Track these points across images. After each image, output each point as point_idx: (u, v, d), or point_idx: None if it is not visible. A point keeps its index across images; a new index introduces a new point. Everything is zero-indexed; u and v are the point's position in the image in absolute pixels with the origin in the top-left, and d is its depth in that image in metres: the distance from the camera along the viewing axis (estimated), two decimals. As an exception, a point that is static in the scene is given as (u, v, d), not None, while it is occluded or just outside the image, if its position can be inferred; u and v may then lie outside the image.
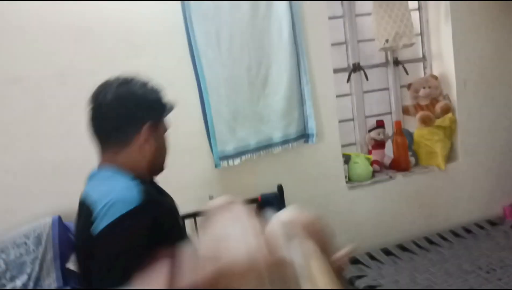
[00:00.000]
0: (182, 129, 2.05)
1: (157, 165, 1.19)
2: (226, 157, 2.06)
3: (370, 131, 2.58)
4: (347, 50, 2.55)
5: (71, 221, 1.86)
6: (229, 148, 2.05)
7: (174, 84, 2.02)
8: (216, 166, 2.04)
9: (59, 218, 1.83)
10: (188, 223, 2.01)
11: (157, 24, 1.99)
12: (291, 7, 2.10)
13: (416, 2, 2.60)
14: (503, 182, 2.65)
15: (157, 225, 0.96)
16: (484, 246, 2.32)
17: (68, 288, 1.74)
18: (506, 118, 2.62)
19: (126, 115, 1.07)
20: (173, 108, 1.21)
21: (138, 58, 1.95)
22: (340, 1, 2.50)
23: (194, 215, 2.00)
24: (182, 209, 2.00)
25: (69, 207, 1.92)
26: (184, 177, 2.04)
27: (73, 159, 1.89)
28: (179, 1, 1.96)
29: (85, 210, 0.99)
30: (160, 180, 2.03)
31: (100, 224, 0.92)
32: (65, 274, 1.77)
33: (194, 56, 1.98)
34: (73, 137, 1.89)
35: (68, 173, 1.91)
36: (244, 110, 2.08)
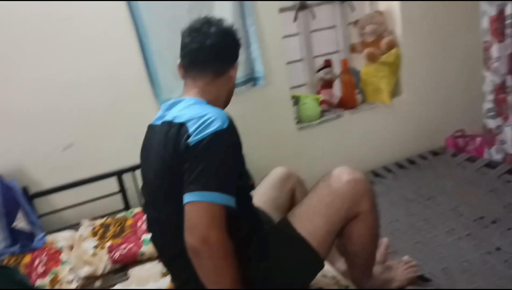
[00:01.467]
0: (126, 75, 1.98)
1: (226, 104, 1.29)
2: (173, 104, 2.02)
3: (318, 71, 2.59)
4: (292, -13, 2.48)
5: (13, 179, 1.81)
6: (176, 95, 2.01)
7: (113, 29, 1.93)
8: (162, 114, 2.00)
9: (0, 177, 1.77)
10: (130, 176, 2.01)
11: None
12: None
13: None
14: (445, 115, 2.78)
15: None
16: (426, 176, 2.47)
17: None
18: (449, 53, 2.68)
19: (229, 47, 1.23)
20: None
21: None
22: None
23: (136, 168, 2.00)
24: (127, 161, 2.00)
25: (9, 167, 1.87)
26: (133, 124, 1.99)
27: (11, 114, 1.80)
28: None
29: (173, 128, 1.07)
30: (107, 129, 1.99)
31: (202, 133, 1.01)
32: (13, 233, 1.74)
33: (129, -2, 1.88)
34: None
35: (6, 130, 1.83)
36: (188, 54, 2.02)
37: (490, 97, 2.39)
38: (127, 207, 2.07)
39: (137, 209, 1.88)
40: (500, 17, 2.20)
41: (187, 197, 0.99)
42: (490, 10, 2.24)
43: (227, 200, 1.00)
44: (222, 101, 1.24)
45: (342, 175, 1.22)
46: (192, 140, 1.01)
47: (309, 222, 1.19)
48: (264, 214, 1.39)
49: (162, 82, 1.99)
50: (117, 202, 2.05)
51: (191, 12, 1.99)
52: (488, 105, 2.41)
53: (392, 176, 2.52)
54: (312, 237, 1.18)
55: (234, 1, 2.06)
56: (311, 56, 2.62)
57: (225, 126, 1.04)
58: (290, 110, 2.41)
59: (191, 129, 1.03)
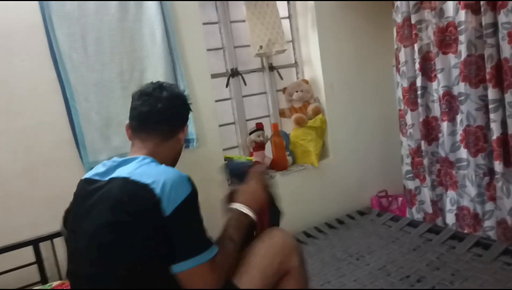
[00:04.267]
0: (48, 138, 1.89)
1: (173, 165, 1.32)
2: (99, 167, 1.94)
3: (250, 133, 2.66)
4: (224, 55, 2.59)
5: None
6: (103, 157, 1.94)
7: (36, 90, 1.86)
8: (87, 177, 1.91)
9: None
10: (59, 241, 1.86)
11: (12, 24, 1.79)
12: (162, 11, 2.06)
13: (287, 10, 2.76)
14: (369, 176, 2.94)
15: None
16: (355, 235, 2.54)
17: None
18: (369, 117, 2.90)
19: (179, 111, 1.31)
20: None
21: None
22: (214, 6, 2.53)
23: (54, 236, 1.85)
24: (51, 227, 1.86)
25: None
26: (53, 190, 1.88)
27: None
28: (37, 1, 1.80)
29: (133, 186, 1.07)
30: (23, 196, 1.85)
31: (177, 201, 1.06)
32: None
33: (56, 59, 1.84)
34: None
35: None
36: (118, 116, 1.99)
37: (408, 160, 2.58)
38: (44, 279, 1.88)
39: (57, 282, 1.72)
40: (412, 88, 2.44)
41: (181, 266, 1.05)
42: (402, 81, 2.49)
43: (213, 250, 1.10)
44: (169, 163, 1.26)
45: (274, 232, 1.31)
46: (168, 209, 1.04)
47: (246, 274, 1.20)
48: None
49: (89, 144, 1.92)
50: (33, 274, 1.86)
51: (122, 74, 1.99)
52: (406, 167, 2.60)
53: (323, 236, 2.57)
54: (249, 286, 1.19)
55: (166, 65, 2.10)
56: (243, 120, 2.70)
57: (191, 187, 1.11)
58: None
59: (160, 195, 1.04)
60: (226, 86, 2.59)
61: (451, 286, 1.82)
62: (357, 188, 2.90)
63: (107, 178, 1.14)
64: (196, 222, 1.11)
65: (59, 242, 1.86)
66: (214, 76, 2.46)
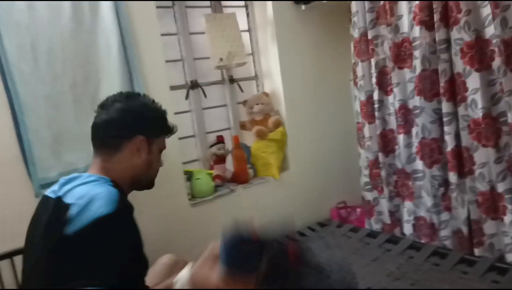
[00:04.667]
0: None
1: (143, 181, 1.26)
2: (50, 185, 1.82)
3: (211, 146, 2.61)
4: (184, 67, 2.54)
5: None
6: (53, 174, 1.82)
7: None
8: (36, 195, 1.79)
9: None
10: (6, 263, 1.73)
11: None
12: (119, 21, 1.99)
13: (246, 24, 2.75)
14: (329, 187, 2.97)
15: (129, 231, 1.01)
16: (315, 247, 2.53)
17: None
18: (328, 130, 2.94)
19: (120, 123, 1.18)
20: (173, 131, 1.36)
21: None
22: (173, 17, 2.48)
23: (11, 254, 1.71)
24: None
25: None
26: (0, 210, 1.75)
27: None
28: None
29: (58, 206, 1.00)
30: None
31: (82, 221, 0.93)
32: None
33: (4, 71, 1.72)
34: None
35: None
36: (70, 131, 1.88)
37: (366, 172, 2.63)
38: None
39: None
40: (369, 101, 2.50)
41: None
42: (360, 95, 2.54)
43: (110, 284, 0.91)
44: (127, 181, 1.19)
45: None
46: (70, 229, 0.92)
47: None
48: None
49: (38, 161, 1.80)
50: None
51: (75, 87, 1.90)
52: (364, 179, 2.65)
53: (285, 250, 2.55)
54: None
55: (122, 77, 2.02)
56: (204, 132, 2.65)
57: (110, 210, 0.95)
58: (183, 185, 2.35)
59: (71, 213, 0.94)
60: (186, 98, 2.53)
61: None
62: (317, 199, 2.92)
63: (54, 196, 1.08)
64: (101, 252, 0.92)
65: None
66: (173, 88, 2.40)
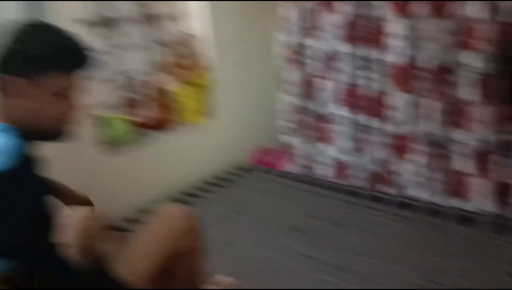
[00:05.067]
0: None
1: (45, 129, 0.95)
2: None
3: (128, 91, 2.44)
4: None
5: None
6: None
7: None
8: None
9: None
10: None
11: None
12: None
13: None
14: (252, 132, 2.98)
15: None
16: (238, 191, 2.60)
17: None
18: (255, 76, 2.92)
19: (15, 50, 0.91)
20: (78, 60, 0.98)
21: None
22: None
23: None
24: None
25: None
26: None
27: None
28: None
29: None
30: None
31: None
32: None
33: None
34: None
35: None
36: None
37: (286, 116, 2.67)
38: None
39: None
40: (292, 45, 2.50)
41: None
42: (283, 39, 2.52)
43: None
44: (22, 129, 0.90)
45: (171, 212, 1.22)
46: None
47: (137, 262, 1.09)
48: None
49: None
50: None
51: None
52: (284, 123, 2.70)
53: (208, 195, 2.56)
54: (140, 276, 1.08)
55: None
56: (119, 74, 2.44)
57: (6, 167, 0.81)
58: (95, 132, 2.19)
59: None
60: (101, 37, 2.29)
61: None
62: (240, 145, 2.93)
63: None
64: (3, 212, 0.81)
65: None
66: (88, 24, 2.14)
